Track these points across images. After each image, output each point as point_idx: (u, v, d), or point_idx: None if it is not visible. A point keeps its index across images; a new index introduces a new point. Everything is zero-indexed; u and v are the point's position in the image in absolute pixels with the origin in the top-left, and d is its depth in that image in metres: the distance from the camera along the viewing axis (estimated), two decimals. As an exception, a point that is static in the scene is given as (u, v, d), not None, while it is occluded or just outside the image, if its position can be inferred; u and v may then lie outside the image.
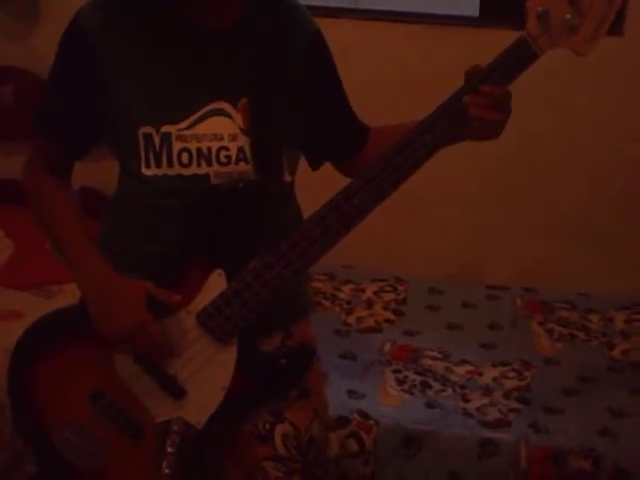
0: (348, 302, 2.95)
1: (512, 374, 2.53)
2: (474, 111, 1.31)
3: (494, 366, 2.57)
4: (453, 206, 3.18)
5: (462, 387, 2.45)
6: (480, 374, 2.52)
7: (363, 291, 3.03)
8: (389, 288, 3.06)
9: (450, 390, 2.43)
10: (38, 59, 3.11)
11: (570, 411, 2.35)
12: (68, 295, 2.70)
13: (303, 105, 1.51)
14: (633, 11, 2.86)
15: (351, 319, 2.83)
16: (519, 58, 1.31)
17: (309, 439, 1.55)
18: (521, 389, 2.45)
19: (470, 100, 1.31)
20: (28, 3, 3.13)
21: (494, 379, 2.50)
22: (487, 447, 2.19)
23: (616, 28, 2.83)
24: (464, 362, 2.58)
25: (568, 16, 1.29)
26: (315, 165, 1.62)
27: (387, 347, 2.65)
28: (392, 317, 2.87)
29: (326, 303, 2.93)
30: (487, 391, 2.43)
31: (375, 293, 3.01)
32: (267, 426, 1.51)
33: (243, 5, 1.47)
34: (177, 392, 1.44)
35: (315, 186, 1.66)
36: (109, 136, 1.47)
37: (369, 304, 2.94)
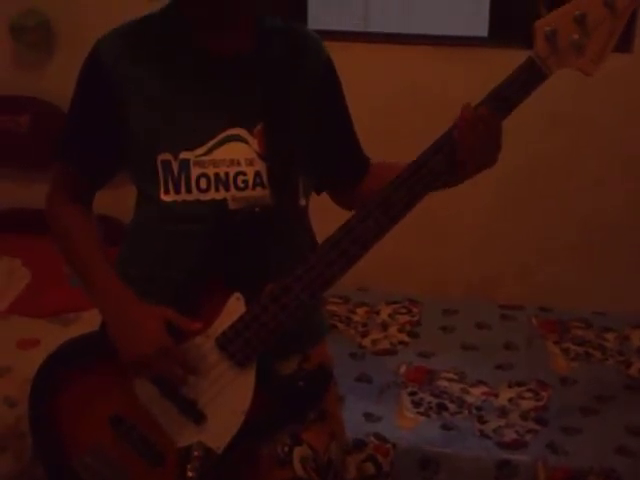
0: (363, 325, 2.95)
1: (528, 394, 2.52)
2: (457, 135, 1.33)
3: (510, 387, 2.56)
4: (465, 226, 3.19)
5: (478, 408, 2.44)
6: (496, 395, 2.51)
7: (378, 313, 3.03)
8: (404, 310, 3.06)
9: (466, 412, 2.42)
10: (53, 89, 3.17)
11: (588, 431, 2.34)
12: (85, 323, 2.73)
13: (313, 131, 1.53)
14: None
15: (366, 342, 2.84)
16: (528, 79, 1.32)
17: (327, 461, 1.55)
18: (538, 409, 2.44)
19: (456, 124, 1.33)
20: (43, 33, 3.17)
21: (510, 400, 2.49)
22: (504, 468, 2.19)
23: (624, 45, 2.85)
24: (480, 383, 2.58)
25: (575, 36, 1.30)
26: (318, 190, 1.64)
27: (402, 369, 2.65)
28: (407, 339, 2.87)
29: (341, 326, 2.93)
30: (503, 412, 2.42)
31: (390, 315, 3.02)
32: (286, 449, 1.51)
33: (257, 33, 1.49)
34: (197, 417, 1.45)
35: (328, 210, 1.68)
36: (128, 163, 1.49)
37: (384, 326, 2.94)
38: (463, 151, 1.34)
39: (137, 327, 1.41)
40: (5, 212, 3.38)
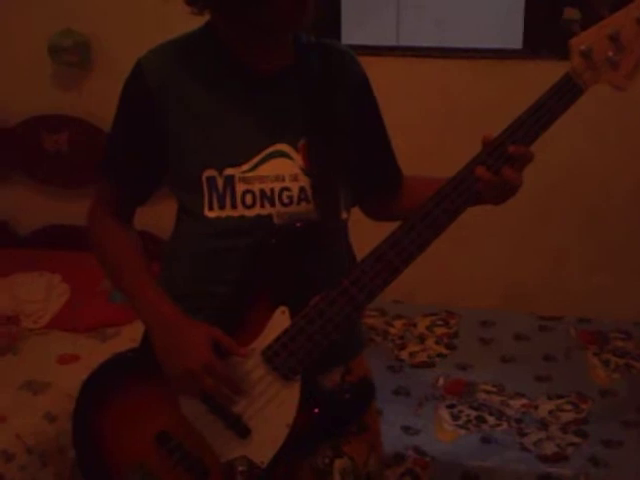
0: (400, 337, 2.95)
1: (568, 407, 2.50)
2: (481, 187, 1.36)
3: (549, 399, 2.54)
4: (501, 236, 3.17)
5: (518, 421, 2.42)
6: (536, 407, 2.50)
7: (415, 326, 3.03)
8: (440, 322, 3.05)
9: (506, 424, 2.41)
10: (91, 108, 3.22)
11: (629, 443, 2.31)
12: (124, 338, 2.77)
13: (353, 145, 1.54)
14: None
15: (404, 354, 2.83)
16: (565, 94, 1.34)
17: (366, 474, 1.55)
18: (578, 422, 2.42)
19: (480, 175, 1.35)
20: (80, 53, 3.22)
21: (550, 412, 2.47)
22: (546, 482, 2.17)
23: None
24: (519, 395, 2.56)
25: (610, 53, 1.33)
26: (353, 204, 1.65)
27: (441, 382, 2.65)
28: (445, 351, 2.86)
29: (378, 339, 2.93)
30: (543, 425, 2.40)
31: (427, 327, 3.01)
32: (326, 460, 1.51)
33: (296, 50, 1.51)
34: (242, 431, 1.45)
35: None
36: (171, 179, 1.51)
37: (421, 339, 2.94)
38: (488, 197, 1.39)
39: (183, 343, 1.42)
40: (44, 229, 3.43)
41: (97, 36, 3.24)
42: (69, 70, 3.26)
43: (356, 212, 1.66)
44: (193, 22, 1.53)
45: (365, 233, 1.58)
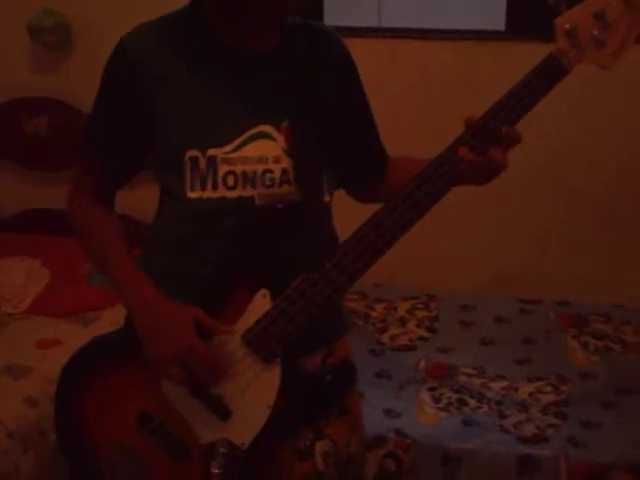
0: (382, 321, 2.96)
1: (548, 389, 2.52)
2: (465, 167, 1.35)
3: (530, 381, 2.56)
4: (482, 220, 3.18)
5: (498, 403, 2.44)
6: (516, 389, 2.51)
7: (396, 309, 3.04)
8: (421, 305, 3.06)
9: (486, 407, 2.42)
10: (71, 90, 3.19)
11: (608, 425, 2.34)
12: (105, 322, 2.76)
13: (338, 126, 1.54)
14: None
15: (385, 338, 2.84)
16: (549, 73, 1.33)
17: (348, 456, 1.56)
18: (558, 404, 2.44)
19: (463, 155, 1.35)
20: (60, 35, 3.17)
21: (530, 394, 2.49)
22: (526, 463, 2.19)
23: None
24: (499, 378, 2.58)
25: (595, 32, 1.32)
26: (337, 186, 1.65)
27: (422, 365, 2.66)
28: (426, 334, 2.87)
29: (360, 322, 2.94)
30: (523, 407, 2.42)
31: (408, 311, 3.02)
32: (308, 443, 1.52)
33: (282, 31, 1.50)
34: (223, 413, 1.45)
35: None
36: (154, 160, 1.50)
37: (402, 322, 2.95)
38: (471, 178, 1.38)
39: (165, 325, 1.42)
40: (23, 213, 3.40)
41: (77, 16, 3.19)
42: (49, 52, 3.22)
43: (340, 195, 1.66)
44: (177, 3, 1.53)
45: (349, 216, 1.58)
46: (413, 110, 3.10)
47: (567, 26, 1.32)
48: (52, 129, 3.26)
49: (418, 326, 2.92)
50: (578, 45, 1.32)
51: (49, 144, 3.27)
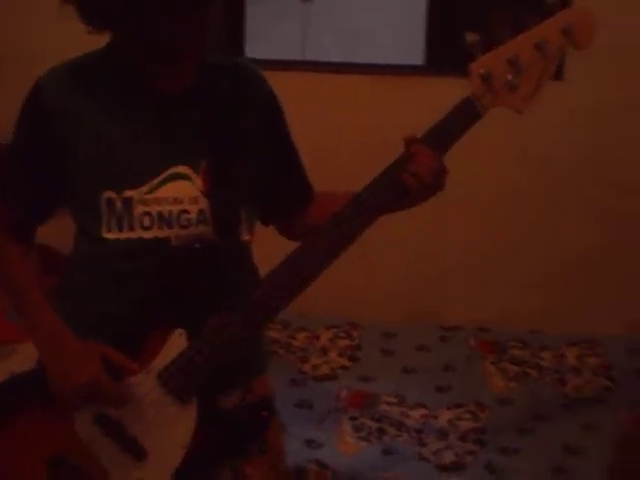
0: (303, 350, 2.96)
1: (467, 415, 2.56)
2: (406, 178, 1.38)
3: (449, 408, 2.60)
4: (402, 250, 3.22)
5: (418, 431, 2.47)
6: (435, 417, 2.55)
7: (318, 338, 3.05)
8: (343, 334, 3.08)
9: (406, 435, 2.45)
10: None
11: (525, 450, 2.39)
12: (22, 355, 2.67)
13: (259, 165, 1.54)
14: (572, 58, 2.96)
15: (307, 367, 2.85)
16: (464, 118, 1.37)
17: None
18: (476, 430, 2.48)
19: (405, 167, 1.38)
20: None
21: (449, 421, 2.53)
22: (444, 491, 2.22)
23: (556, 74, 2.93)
24: (419, 406, 2.61)
25: (509, 77, 1.36)
26: (264, 222, 1.65)
27: (343, 394, 2.67)
28: (347, 363, 2.89)
29: (281, 352, 2.94)
30: (443, 434, 2.46)
31: (330, 340, 3.04)
32: (226, 483, 1.51)
33: (200, 68, 1.49)
34: (138, 453, 1.43)
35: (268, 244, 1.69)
36: (69, 200, 1.48)
37: (324, 351, 2.96)
38: (412, 193, 1.41)
39: (71, 361, 1.40)
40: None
41: (5, 49, 3.14)
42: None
43: (263, 232, 1.66)
44: (98, 40, 1.51)
45: (271, 253, 1.58)
46: (336, 142, 3.13)
47: (481, 71, 1.36)
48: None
49: (340, 355, 2.94)
50: (492, 90, 1.36)
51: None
